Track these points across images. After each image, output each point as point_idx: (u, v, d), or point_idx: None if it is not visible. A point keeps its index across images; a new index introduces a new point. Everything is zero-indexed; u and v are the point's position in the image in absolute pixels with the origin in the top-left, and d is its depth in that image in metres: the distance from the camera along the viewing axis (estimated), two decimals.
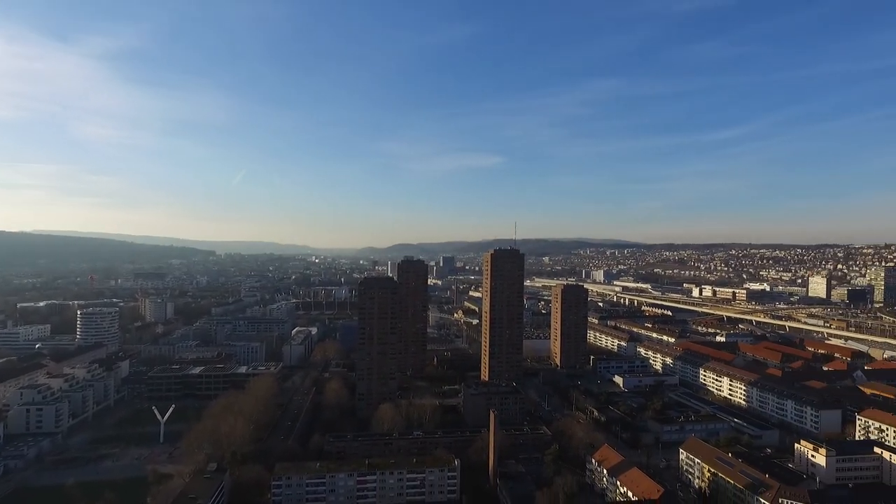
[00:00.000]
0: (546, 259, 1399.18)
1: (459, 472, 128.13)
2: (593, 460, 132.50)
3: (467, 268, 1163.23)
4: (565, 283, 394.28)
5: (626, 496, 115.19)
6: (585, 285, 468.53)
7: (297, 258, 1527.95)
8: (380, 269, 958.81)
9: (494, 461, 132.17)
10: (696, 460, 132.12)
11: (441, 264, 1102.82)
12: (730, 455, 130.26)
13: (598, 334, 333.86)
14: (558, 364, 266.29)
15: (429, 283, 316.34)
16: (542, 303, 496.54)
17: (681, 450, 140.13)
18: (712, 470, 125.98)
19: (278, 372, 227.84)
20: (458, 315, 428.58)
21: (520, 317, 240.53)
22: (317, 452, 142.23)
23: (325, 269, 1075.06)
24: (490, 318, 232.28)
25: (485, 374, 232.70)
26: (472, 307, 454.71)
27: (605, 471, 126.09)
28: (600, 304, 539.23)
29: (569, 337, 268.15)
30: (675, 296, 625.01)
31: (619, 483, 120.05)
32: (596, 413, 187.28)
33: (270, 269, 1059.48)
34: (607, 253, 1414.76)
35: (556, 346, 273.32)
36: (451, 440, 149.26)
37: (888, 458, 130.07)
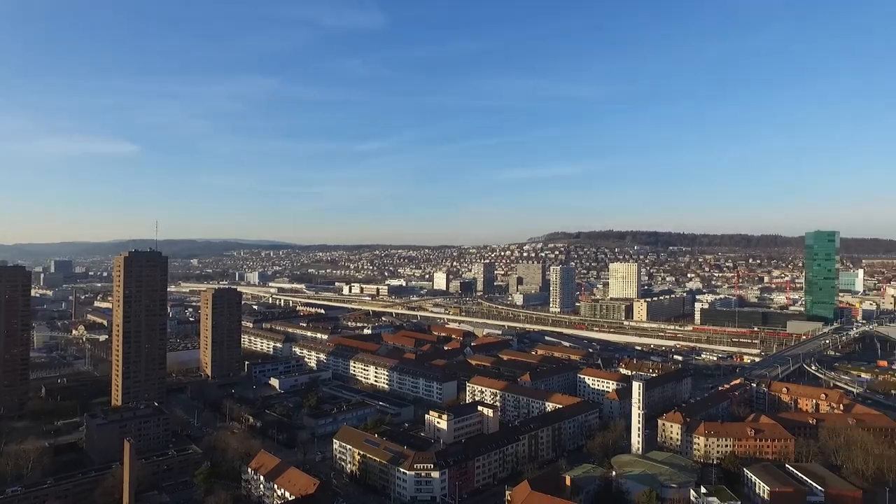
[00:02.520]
0: (195, 261, 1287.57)
1: None
2: (249, 469, 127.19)
3: (92, 273, 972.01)
4: (217, 286, 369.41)
5: (284, 497, 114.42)
6: (240, 288, 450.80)
7: None
8: None
9: (130, 498, 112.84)
10: (348, 446, 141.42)
11: (53, 270, 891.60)
12: (376, 436, 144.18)
13: (253, 338, 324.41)
14: (209, 374, 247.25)
15: (34, 293, 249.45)
16: (191, 309, 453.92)
17: (334, 439, 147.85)
18: (361, 452, 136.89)
19: None
20: (79, 331, 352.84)
21: (163, 327, 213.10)
22: None
23: None
24: (123, 332, 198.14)
25: (117, 399, 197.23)
26: (100, 320, 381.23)
27: (261, 477, 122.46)
28: (255, 307, 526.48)
29: (221, 344, 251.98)
30: (328, 294, 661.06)
31: (276, 486, 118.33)
32: (252, 419, 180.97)
33: None
34: (263, 254, 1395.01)
35: (206, 355, 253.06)
36: (69, 487, 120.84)
37: (486, 413, 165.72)
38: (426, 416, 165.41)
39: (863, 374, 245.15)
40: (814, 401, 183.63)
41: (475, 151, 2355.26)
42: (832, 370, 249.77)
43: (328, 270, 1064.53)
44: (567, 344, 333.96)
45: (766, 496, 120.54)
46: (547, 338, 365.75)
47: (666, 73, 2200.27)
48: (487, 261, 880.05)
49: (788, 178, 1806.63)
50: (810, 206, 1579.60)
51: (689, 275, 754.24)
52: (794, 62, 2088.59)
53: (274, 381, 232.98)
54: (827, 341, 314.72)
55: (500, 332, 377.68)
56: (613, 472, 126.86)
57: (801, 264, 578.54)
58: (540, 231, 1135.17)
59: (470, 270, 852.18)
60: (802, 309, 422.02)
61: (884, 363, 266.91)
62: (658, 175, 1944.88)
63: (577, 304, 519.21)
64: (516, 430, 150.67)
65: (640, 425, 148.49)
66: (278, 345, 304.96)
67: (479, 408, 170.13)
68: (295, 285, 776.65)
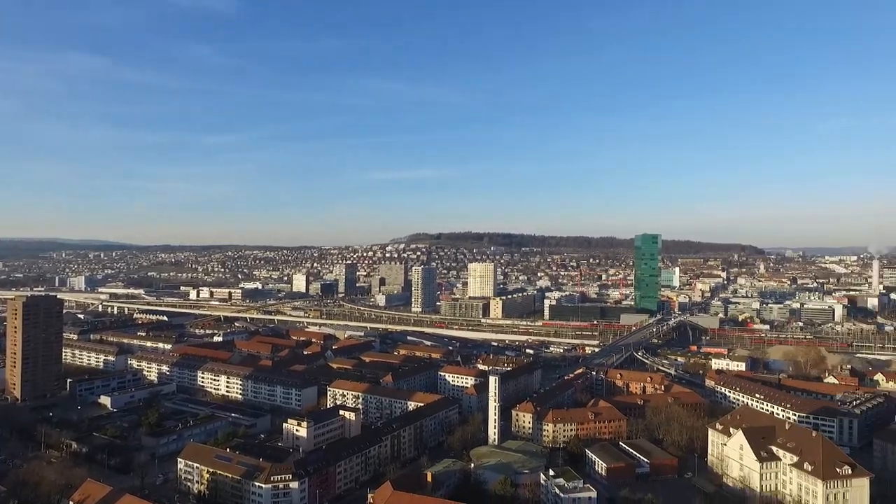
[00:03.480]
0: (0, 265, 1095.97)
1: None
2: (71, 503, 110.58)
3: None
4: (30, 293, 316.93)
5: None
6: (60, 295, 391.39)
7: None
8: None
9: None
10: (195, 465, 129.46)
11: None
12: (227, 450, 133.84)
13: (78, 352, 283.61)
14: (19, 396, 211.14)
15: None
16: None
17: (179, 459, 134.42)
18: (211, 470, 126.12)
19: None
20: None
21: None
22: None
23: None
24: None
25: None
26: None
27: None
28: (81, 317, 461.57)
29: (34, 361, 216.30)
30: (172, 300, 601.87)
31: None
32: (76, 445, 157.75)
33: None
34: (91, 256, 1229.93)
35: (13, 374, 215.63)
36: None
37: (348, 417, 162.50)
38: (284, 424, 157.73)
39: (678, 358, 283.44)
40: (641, 384, 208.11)
41: (338, 151, 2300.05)
42: (656, 356, 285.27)
43: (172, 274, 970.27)
44: (429, 343, 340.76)
45: (603, 472, 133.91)
46: (409, 337, 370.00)
47: (523, 83, 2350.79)
48: (349, 262, 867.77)
49: (621, 186, 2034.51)
50: (639, 212, 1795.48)
51: (539, 274, 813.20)
52: (630, 83, 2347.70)
53: (104, 399, 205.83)
54: (652, 331, 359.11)
55: (362, 334, 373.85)
56: (472, 465, 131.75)
57: (631, 263, 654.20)
58: (402, 232, 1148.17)
59: (331, 272, 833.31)
60: (633, 303, 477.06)
61: (694, 347, 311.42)
62: (513, 180, 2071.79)
63: (438, 303, 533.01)
64: (378, 431, 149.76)
65: (496, 417, 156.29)
66: (110, 358, 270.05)
67: (341, 412, 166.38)
68: (132, 291, 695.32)
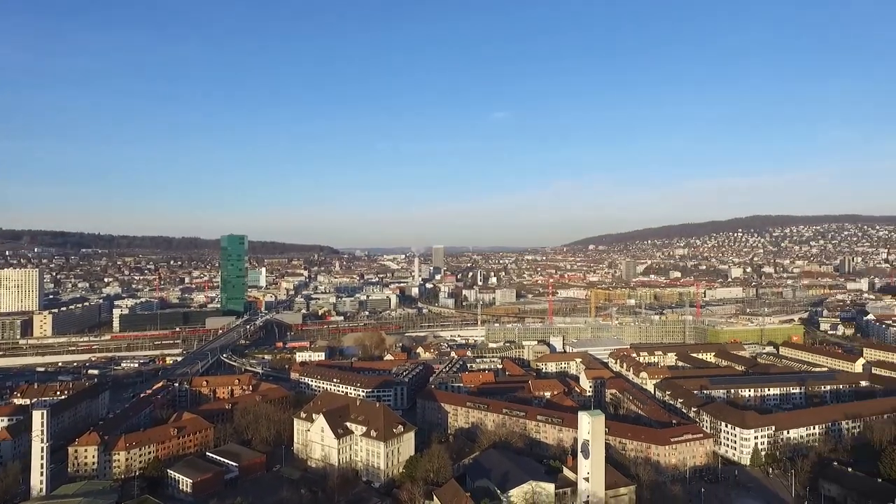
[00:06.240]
0: None
1: None
2: None
3: None
4: None
5: None
6: None
7: None
8: None
9: None
10: None
11: None
12: None
13: None
14: None
15: None
16: None
17: None
18: None
19: None
20: None
21: None
22: None
23: None
24: None
25: None
26: None
27: None
28: None
29: None
30: None
31: None
32: None
33: None
34: None
35: None
36: None
37: None
38: None
39: (266, 356, 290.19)
40: (229, 387, 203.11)
41: None
42: (244, 357, 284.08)
43: None
44: None
45: (189, 489, 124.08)
46: None
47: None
48: None
49: (208, 187, 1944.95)
50: (224, 213, 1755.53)
51: (107, 280, 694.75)
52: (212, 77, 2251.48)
53: None
54: (240, 332, 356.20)
55: None
56: None
57: (218, 265, 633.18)
58: None
59: None
60: (220, 305, 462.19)
61: (280, 344, 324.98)
62: (61, 167, 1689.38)
63: None
64: None
65: (44, 461, 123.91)
66: None
67: None
68: None
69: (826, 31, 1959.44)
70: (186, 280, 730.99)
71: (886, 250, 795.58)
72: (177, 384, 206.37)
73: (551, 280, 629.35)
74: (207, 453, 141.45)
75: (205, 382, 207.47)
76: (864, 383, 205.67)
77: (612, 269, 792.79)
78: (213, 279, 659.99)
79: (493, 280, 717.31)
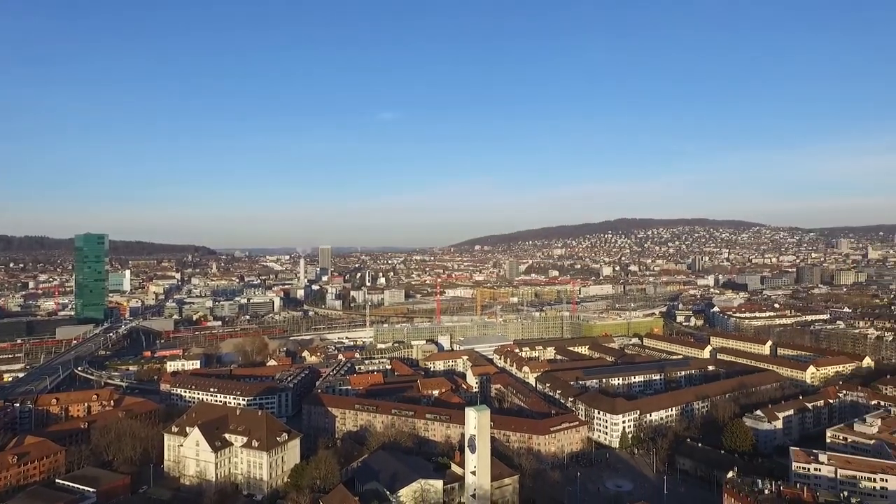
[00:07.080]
0: None
1: None
2: None
3: None
4: None
5: None
6: None
7: None
8: None
9: None
10: None
11: None
12: None
13: None
14: None
15: None
16: None
17: None
18: None
19: None
20: None
21: None
22: None
23: None
24: None
25: None
26: None
27: None
28: None
29: None
30: None
31: None
32: None
33: None
34: None
35: None
36: None
37: None
38: None
39: (130, 367, 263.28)
40: (86, 404, 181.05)
41: None
42: (104, 369, 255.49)
43: None
44: None
45: None
46: None
47: None
48: None
49: (53, 177, 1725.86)
50: (78, 210, 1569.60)
51: None
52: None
53: None
54: (99, 342, 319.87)
55: None
56: None
57: (71, 267, 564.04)
58: None
59: None
60: (73, 313, 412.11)
61: (148, 353, 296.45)
62: None
63: None
64: None
65: None
66: None
67: None
68: None
69: (679, 64, 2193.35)
70: (31, 285, 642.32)
71: (728, 250, 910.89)
72: (18, 404, 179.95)
73: (439, 280, 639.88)
74: (58, 480, 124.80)
75: (54, 400, 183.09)
76: (711, 368, 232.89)
77: (497, 269, 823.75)
78: (65, 283, 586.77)
79: (382, 280, 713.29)
